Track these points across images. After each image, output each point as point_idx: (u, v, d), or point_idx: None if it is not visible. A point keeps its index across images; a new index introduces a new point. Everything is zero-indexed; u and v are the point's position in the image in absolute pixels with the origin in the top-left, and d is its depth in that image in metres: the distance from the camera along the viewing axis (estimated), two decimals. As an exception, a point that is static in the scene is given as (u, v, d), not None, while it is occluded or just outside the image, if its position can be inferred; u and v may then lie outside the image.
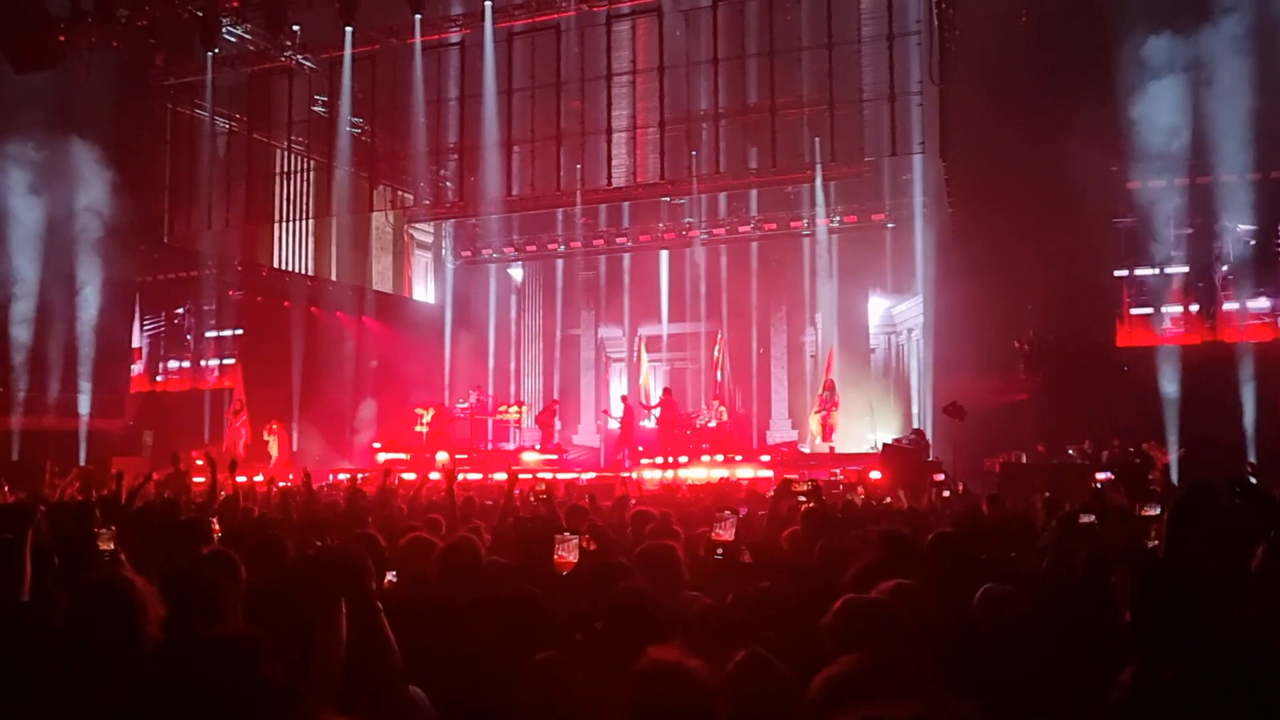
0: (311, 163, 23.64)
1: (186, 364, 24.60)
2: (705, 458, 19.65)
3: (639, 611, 3.13)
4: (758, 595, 3.66)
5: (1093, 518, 4.79)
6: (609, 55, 20.95)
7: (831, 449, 20.14)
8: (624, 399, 21.91)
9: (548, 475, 17.67)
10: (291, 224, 24.39)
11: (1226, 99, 17.23)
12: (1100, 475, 13.21)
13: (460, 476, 14.79)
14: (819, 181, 23.00)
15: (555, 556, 4.07)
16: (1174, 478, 15.83)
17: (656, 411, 21.60)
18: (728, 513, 4.53)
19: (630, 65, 21.25)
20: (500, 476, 15.34)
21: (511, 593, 3.71)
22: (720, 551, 4.37)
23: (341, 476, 17.95)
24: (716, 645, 3.17)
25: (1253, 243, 19.48)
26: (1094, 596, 3.08)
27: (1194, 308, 20.08)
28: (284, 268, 25.10)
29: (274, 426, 21.66)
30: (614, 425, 22.51)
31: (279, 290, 24.65)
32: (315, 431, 22.78)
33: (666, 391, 21.73)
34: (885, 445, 17.73)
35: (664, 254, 26.04)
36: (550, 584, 3.99)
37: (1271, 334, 19.45)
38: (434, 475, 14.11)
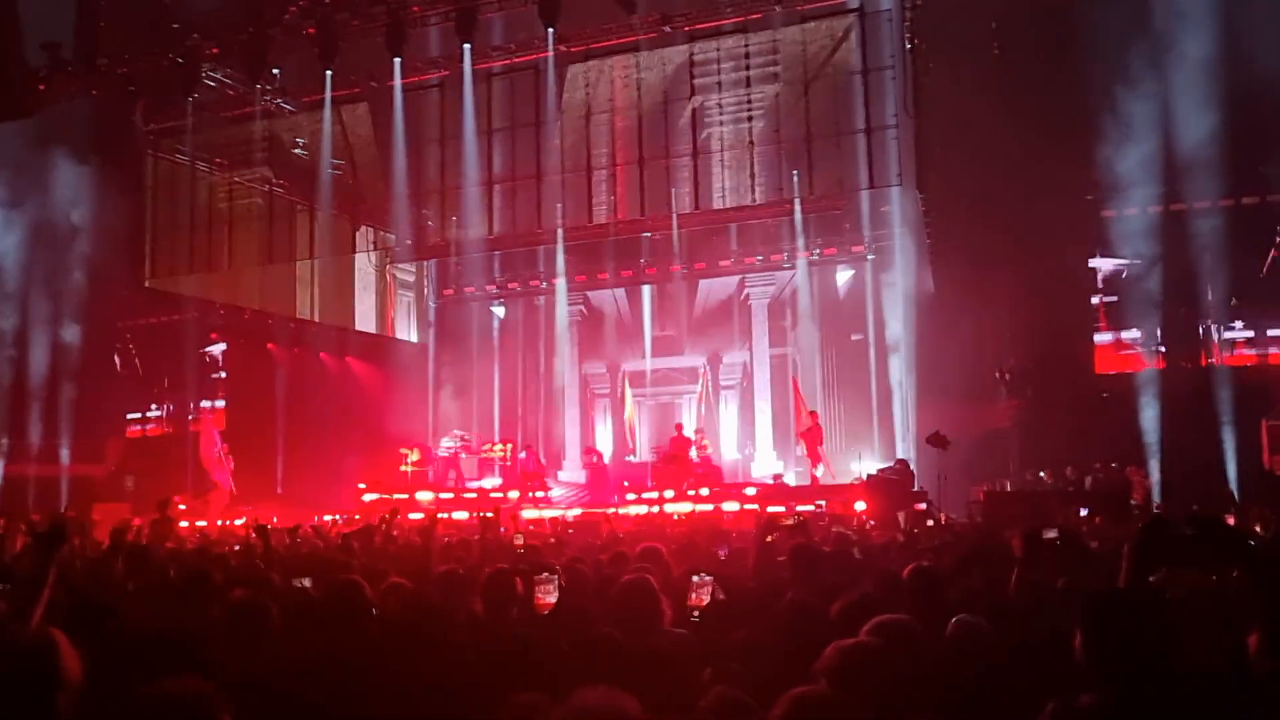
0: (293, 205, 23.71)
1: (169, 408, 24.52)
2: (690, 492, 19.61)
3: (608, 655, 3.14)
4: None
5: (1055, 533, 4.87)
6: (588, 94, 21.15)
7: (816, 480, 20.15)
8: (678, 426, 21.77)
9: (534, 514, 17.73)
10: (274, 266, 24.38)
11: (1195, 127, 17.50)
12: (1081, 512, 13.34)
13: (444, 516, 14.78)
14: (798, 215, 23.18)
15: (535, 598, 4.08)
16: (1155, 500, 15.98)
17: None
18: (706, 577, 4.46)
19: (609, 104, 21.44)
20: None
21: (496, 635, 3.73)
22: (697, 615, 4.32)
23: (328, 518, 17.86)
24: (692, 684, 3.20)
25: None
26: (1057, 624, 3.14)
27: (1173, 334, 20.28)
28: (267, 310, 25.07)
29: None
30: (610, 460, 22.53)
31: (261, 333, 24.63)
32: (300, 473, 22.69)
33: (679, 426, 21.73)
34: (870, 476, 17.78)
35: (646, 290, 26.13)
36: (530, 625, 4.01)
37: (1251, 359, 19.66)
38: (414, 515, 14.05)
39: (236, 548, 9.26)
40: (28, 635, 2.81)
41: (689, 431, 21.68)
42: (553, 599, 4.09)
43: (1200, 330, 20.17)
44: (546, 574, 4.20)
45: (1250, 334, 20.07)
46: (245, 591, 4.51)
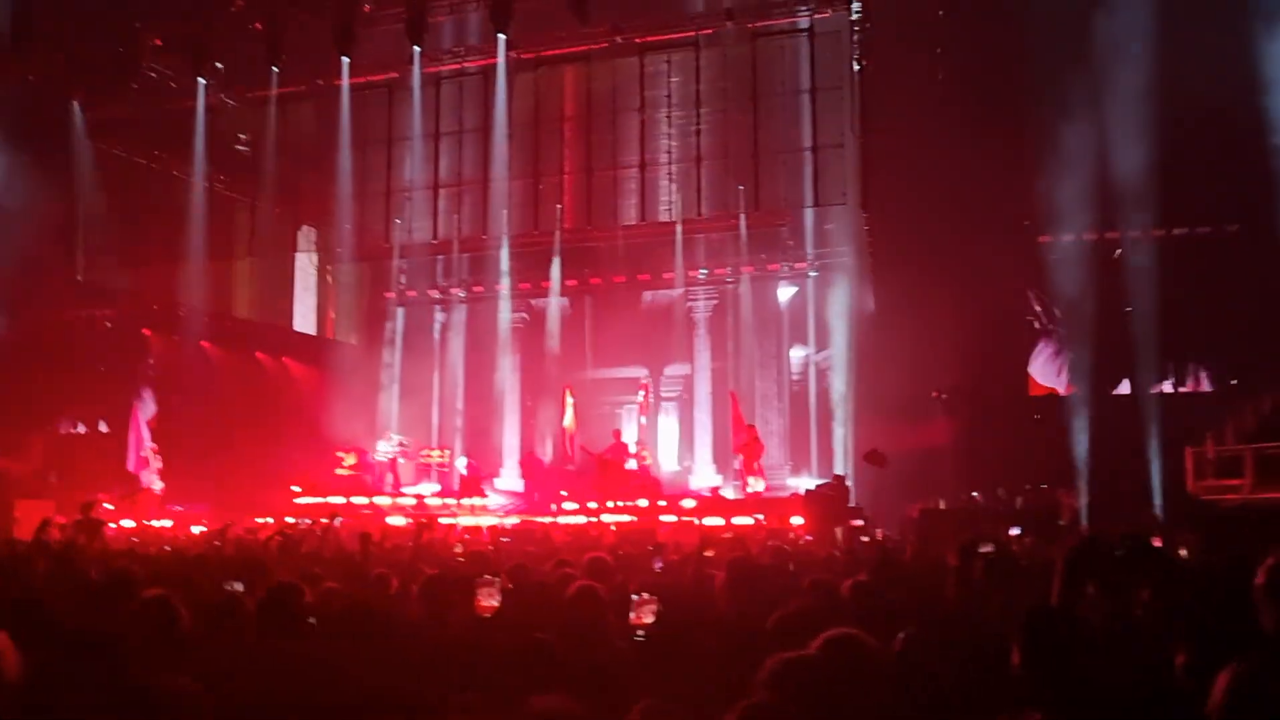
0: (234, 202, 23.33)
1: (97, 404, 23.91)
2: (628, 503, 19.60)
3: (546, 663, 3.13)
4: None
5: (991, 547, 4.94)
6: (537, 102, 21.14)
7: (754, 494, 20.26)
8: (616, 433, 21.77)
9: (470, 521, 17.62)
10: (211, 263, 23.94)
11: (1129, 158, 17.94)
12: (1012, 531, 13.59)
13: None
14: (743, 229, 23.33)
15: (476, 601, 4.06)
16: (1084, 521, 16.32)
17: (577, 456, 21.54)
18: (647, 596, 4.38)
19: (558, 112, 21.44)
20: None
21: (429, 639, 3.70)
22: (641, 634, 4.26)
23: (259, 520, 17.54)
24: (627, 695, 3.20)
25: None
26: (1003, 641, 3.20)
27: (1103, 360, 20.72)
28: (203, 307, 24.59)
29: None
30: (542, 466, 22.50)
31: (197, 330, 24.15)
32: (233, 474, 22.24)
33: (616, 433, 21.72)
34: (807, 491, 17.92)
35: (589, 299, 26.11)
36: (470, 631, 3.99)
37: (1178, 387, 20.18)
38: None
39: (167, 549, 9.07)
40: None
41: (628, 440, 21.71)
42: (494, 603, 4.07)
43: (1129, 357, 20.64)
44: (488, 577, 4.17)
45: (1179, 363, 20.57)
46: (158, 591, 4.41)
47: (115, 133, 22.22)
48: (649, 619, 4.29)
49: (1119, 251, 19.65)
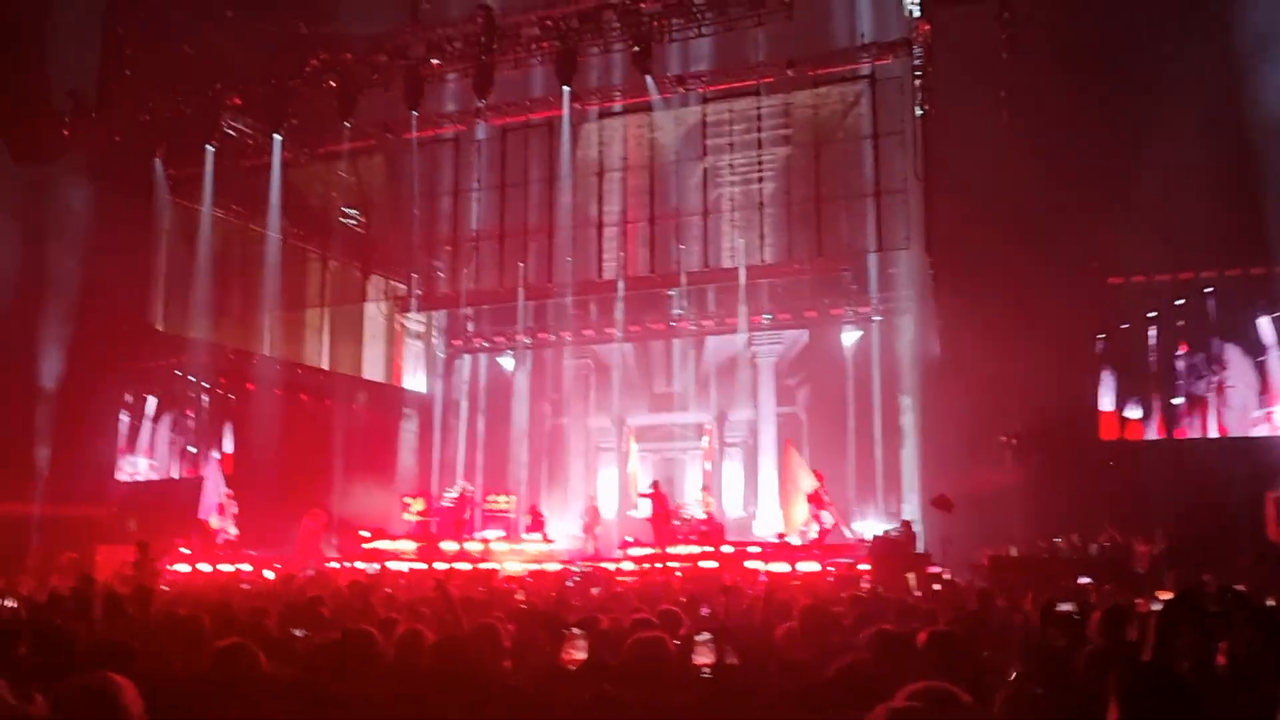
0: (306, 253, 23.91)
1: (175, 451, 24.50)
2: (694, 549, 19.51)
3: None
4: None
5: (1073, 606, 4.85)
6: (601, 152, 21.45)
7: (817, 542, 20.05)
8: (655, 484, 21.85)
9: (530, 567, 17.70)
10: (284, 313, 24.53)
11: (1203, 196, 17.64)
12: (1081, 580, 13.29)
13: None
14: (806, 275, 23.31)
15: (563, 654, 4.11)
16: (1162, 569, 15.89)
17: (647, 502, 21.57)
18: (706, 636, 4.43)
19: (621, 161, 21.72)
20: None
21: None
22: (707, 671, 4.31)
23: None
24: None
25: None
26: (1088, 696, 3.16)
27: (1178, 404, 20.31)
28: (275, 357, 25.15)
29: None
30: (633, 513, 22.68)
31: (270, 379, 24.68)
32: (303, 519, 22.60)
33: (655, 484, 21.74)
34: (875, 538, 17.70)
35: (654, 345, 26.22)
36: (553, 680, 4.03)
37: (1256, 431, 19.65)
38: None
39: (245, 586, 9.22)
40: (96, 679, 2.91)
41: (690, 488, 21.67)
42: (582, 656, 4.11)
43: (1206, 400, 20.19)
44: (575, 630, 4.21)
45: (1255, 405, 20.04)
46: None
47: (195, 188, 22.95)
48: (709, 659, 4.34)
49: (1194, 292, 19.32)
